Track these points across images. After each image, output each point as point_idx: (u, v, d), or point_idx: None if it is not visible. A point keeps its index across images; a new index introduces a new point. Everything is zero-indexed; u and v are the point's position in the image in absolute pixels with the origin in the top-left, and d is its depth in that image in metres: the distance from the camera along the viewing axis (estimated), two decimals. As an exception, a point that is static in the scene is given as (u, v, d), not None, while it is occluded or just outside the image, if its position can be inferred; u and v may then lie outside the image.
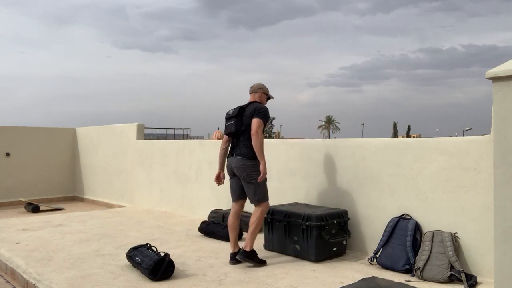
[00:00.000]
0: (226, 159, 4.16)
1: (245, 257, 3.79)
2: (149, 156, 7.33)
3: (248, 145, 3.92)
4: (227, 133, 4.10)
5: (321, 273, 3.54)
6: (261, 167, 3.83)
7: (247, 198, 4.00)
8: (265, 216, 4.04)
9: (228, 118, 4.11)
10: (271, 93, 4.24)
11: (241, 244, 3.86)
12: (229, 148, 4.16)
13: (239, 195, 4.04)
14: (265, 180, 3.91)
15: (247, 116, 3.96)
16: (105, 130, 8.53)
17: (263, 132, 3.98)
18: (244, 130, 3.96)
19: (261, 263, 3.83)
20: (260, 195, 3.90)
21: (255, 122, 3.87)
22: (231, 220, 4.04)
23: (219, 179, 4.25)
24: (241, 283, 3.28)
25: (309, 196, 4.66)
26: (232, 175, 4.06)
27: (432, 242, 3.46)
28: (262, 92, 4.17)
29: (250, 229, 3.88)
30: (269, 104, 4.21)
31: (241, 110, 4.02)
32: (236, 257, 3.83)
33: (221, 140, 4.34)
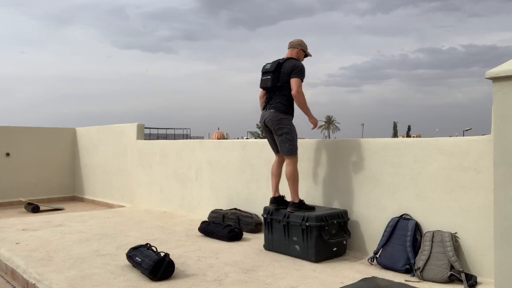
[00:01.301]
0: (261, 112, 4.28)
1: (295, 208, 4.05)
2: (149, 156, 7.33)
3: (282, 101, 4.05)
4: (263, 87, 4.20)
5: (321, 273, 3.54)
6: (311, 120, 4.13)
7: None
8: (297, 167, 4.14)
9: (264, 72, 4.18)
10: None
11: (240, 246, 3.86)
12: (264, 102, 4.24)
13: (277, 148, 4.21)
14: (295, 134, 4.08)
15: (284, 72, 4.04)
16: (105, 130, 8.53)
17: None
18: (280, 86, 4.05)
19: (311, 209, 4.07)
20: (290, 147, 4.04)
21: (294, 82, 3.97)
22: (274, 168, 4.31)
23: None
24: (241, 283, 3.28)
25: (309, 196, 4.66)
26: (265, 128, 4.19)
27: (432, 242, 3.46)
28: (300, 49, 4.23)
29: (290, 183, 4.08)
30: None
31: (278, 65, 4.08)
32: (288, 210, 4.08)
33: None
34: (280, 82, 4.04)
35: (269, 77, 4.08)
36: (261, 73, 4.23)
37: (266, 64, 4.22)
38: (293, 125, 4.12)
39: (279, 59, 4.16)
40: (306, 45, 4.30)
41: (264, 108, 4.20)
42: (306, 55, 4.31)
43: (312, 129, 4.21)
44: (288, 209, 4.09)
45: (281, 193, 4.33)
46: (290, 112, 4.12)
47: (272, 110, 4.07)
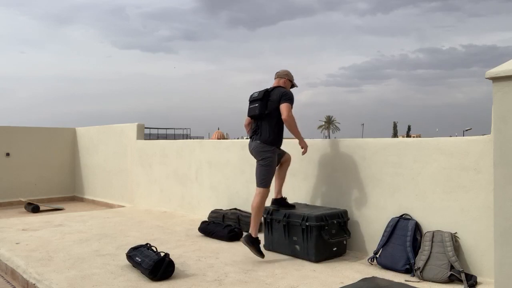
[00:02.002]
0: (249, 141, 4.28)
1: (248, 242, 3.89)
2: (149, 156, 7.33)
3: (269, 130, 4.04)
4: (250, 115, 4.19)
5: (321, 273, 3.54)
6: (302, 144, 4.13)
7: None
8: (264, 202, 4.08)
9: (252, 100, 4.17)
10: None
11: (240, 246, 3.87)
12: (251, 131, 4.23)
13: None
14: (273, 167, 4.06)
15: (272, 100, 4.04)
16: (105, 130, 8.53)
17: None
18: (268, 114, 4.04)
19: (260, 254, 3.89)
20: (266, 180, 4.02)
21: (284, 107, 3.97)
22: (276, 171, 4.23)
23: None
24: (241, 283, 3.28)
25: (309, 196, 4.66)
26: (252, 156, 4.20)
27: (432, 242, 3.46)
28: (287, 79, 4.27)
29: (253, 214, 4.02)
30: None
31: (266, 93, 4.08)
32: (240, 240, 4.05)
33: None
34: (268, 110, 4.02)
35: (256, 105, 4.06)
36: (248, 102, 4.21)
37: (254, 93, 4.21)
38: (274, 157, 4.06)
39: (267, 88, 4.16)
40: (292, 76, 4.31)
41: (251, 138, 4.18)
42: (293, 85, 4.32)
43: (303, 154, 4.17)
44: (241, 239, 4.05)
45: (283, 195, 4.34)
46: (276, 143, 4.08)
47: (258, 142, 4.05)
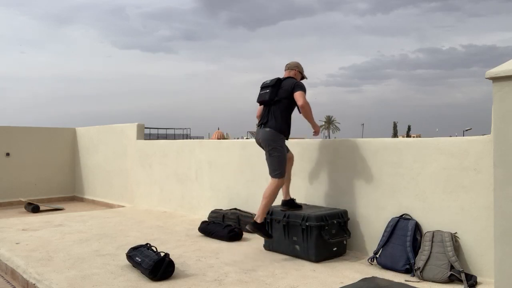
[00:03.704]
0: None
1: (254, 228, 3.99)
2: (149, 156, 7.33)
3: (278, 117, 4.04)
4: (260, 100, 4.21)
5: (321, 273, 3.54)
6: (315, 128, 4.21)
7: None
8: (278, 191, 4.13)
9: (263, 87, 4.20)
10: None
11: (240, 246, 3.87)
12: (260, 118, 4.24)
13: None
14: (284, 155, 4.07)
15: (284, 89, 4.07)
16: (105, 130, 8.53)
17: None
18: (278, 101, 4.06)
19: (267, 236, 4.03)
20: (279, 170, 4.03)
21: (299, 95, 4.01)
22: None
23: None
24: (241, 283, 3.28)
25: (309, 196, 4.66)
26: (260, 146, 4.20)
27: (432, 242, 3.46)
28: (297, 71, 4.30)
29: (263, 202, 4.02)
30: None
31: (278, 81, 4.12)
32: (246, 227, 4.08)
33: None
34: (278, 97, 4.05)
35: (267, 91, 4.09)
36: (260, 88, 4.24)
37: (266, 80, 4.26)
38: (284, 147, 4.10)
39: (279, 77, 4.20)
40: (302, 68, 4.34)
41: (259, 125, 4.17)
42: (303, 77, 4.35)
43: (314, 135, 4.28)
44: (247, 226, 4.07)
45: (290, 196, 4.33)
46: (285, 131, 4.09)
47: (267, 129, 4.05)
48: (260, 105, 4.27)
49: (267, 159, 4.10)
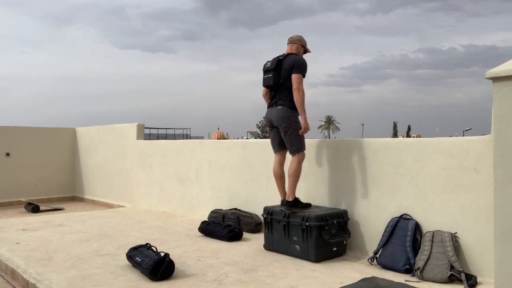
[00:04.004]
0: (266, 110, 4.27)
1: (290, 207, 4.05)
2: (149, 156, 7.33)
3: (287, 95, 4.04)
4: (266, 85, 4.21)
5: (321, 273, 3.54)
6: (302, 122, 4.00)
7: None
8: (301, 165, 4.15)
9: (265, 71, 4.18)
10: None
11: (240, 246, 3.86)
12: (269, 99, 4.24)
13: (279, 145, 4.23)
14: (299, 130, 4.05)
15: (285, 69, 4.05)
16: (105, 130, 8.53)
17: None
18: (283, 83, 4.06)
19: (307, 206, 4.10)
20: (298, 145, 4.04)
21: (295, 78, 3.97)
22: (276, 170, 4.27)
23: None
24: (241, 283, 3.28)
25: (309, 196, 4.66)
26: (271, 126, 4.19)
27: (432, 242, 3.46)
28: (299, 44, 4.23)
29: (290, 180, 4.06)
30: None
31: (278, 62, 4.08)
32: (282, 208, 4.08)
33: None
34: (282, 79, 4.05)
35: (270, 75, 4.09)
36: (262, 72, 4.24)
37: (267, 62, 4.21)
38: (298, 122, 4.10)
39: (279, 56, 4.17)
40: (305, 41, 4.29)
41: (270, 106, 4.20)
42: (306, 51, 4.31)
43: (300, 133, 4.03)
44: (283, 208, 4.08)
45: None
46: (296, 110, 4.09)
47: (279, 107, 4.06)
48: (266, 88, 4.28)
49: (284, 137, 4.10)
